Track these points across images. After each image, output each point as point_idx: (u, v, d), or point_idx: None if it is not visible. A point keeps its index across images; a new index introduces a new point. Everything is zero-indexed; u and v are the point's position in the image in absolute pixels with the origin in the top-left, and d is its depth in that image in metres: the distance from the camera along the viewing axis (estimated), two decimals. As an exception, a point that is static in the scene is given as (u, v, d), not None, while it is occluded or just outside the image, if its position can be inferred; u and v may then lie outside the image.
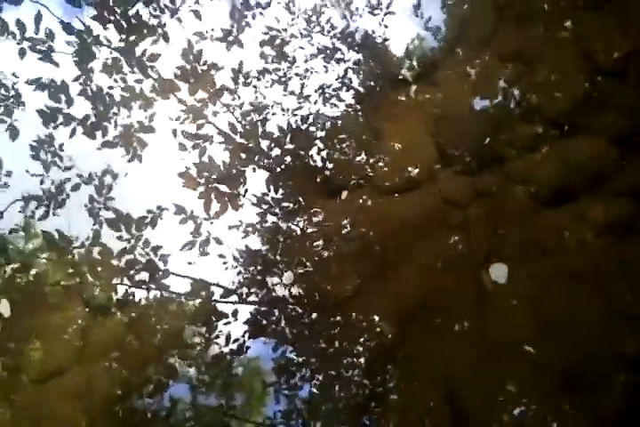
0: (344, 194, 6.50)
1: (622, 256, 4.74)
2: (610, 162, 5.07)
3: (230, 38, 7.20)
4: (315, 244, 6.86)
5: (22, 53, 6.35)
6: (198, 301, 7.13)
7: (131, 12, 6.50)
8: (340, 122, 7.84)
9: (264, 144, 6.95)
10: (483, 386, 5.52)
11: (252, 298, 7.07)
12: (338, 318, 7.26)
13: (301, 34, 8.11)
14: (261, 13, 7.47)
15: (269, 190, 6.99)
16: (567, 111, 5.43)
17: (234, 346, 7.07)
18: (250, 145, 6.55)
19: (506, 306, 5.07)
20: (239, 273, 7.20)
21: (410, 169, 6.13)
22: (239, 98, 7.16)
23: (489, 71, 6.05)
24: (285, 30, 8.04)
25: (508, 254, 5.21)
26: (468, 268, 5.27)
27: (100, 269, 6.59)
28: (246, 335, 7.00)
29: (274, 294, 7.04)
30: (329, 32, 8.11)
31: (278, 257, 7.34)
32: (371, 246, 5.89)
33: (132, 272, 6.69)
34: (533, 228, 5.14)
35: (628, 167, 5.01)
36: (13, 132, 6.44)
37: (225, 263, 7.14)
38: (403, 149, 6.43)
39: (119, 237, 6.70)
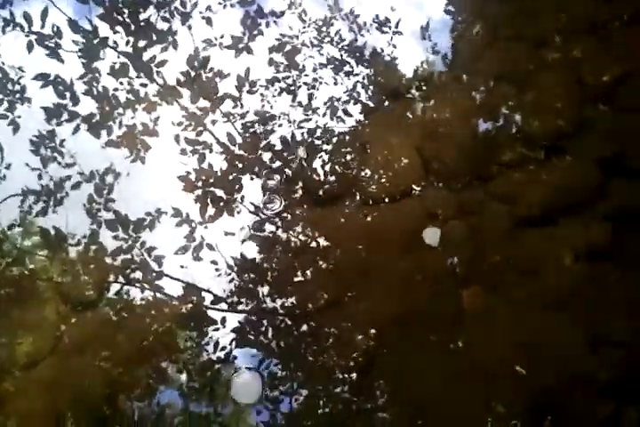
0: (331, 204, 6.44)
1: (601, 282, 4.61)
2: (593, 186, 4.98)
3: (240, 45, 7.19)
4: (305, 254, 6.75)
5: (30, 47, 6.39)
6: (190, 305, 7.06)
7: (141, 17, 6.51)
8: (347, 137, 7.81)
9: (266, 156, 6.90)
10: (467, 406, 5.37)
11: (242, 307, 6.96)
12: (332, 329, 7.17)
13: (312, 43, 8.11)
14: (275, 22, 7.43)
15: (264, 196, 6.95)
16: (553, 133, 5.37)
17: (221, 354, 6.97)
18: (250, 156, 6.51)
19: (484, 327, 4.92)
20: (231, 281, 7.12)
21: (394, 182, 6.06)
22: (242, 107, 7.09)
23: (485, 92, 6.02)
24: (297, 37, 8.08)
25: (487, 274, 5.09)
26: (448, 284, 5.15)
27: (93, 266, 6.59)
28: (233, 344, 6.88)
29: (264, 304, 6.93)
30: (338, 44, 8.07)
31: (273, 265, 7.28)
32: (354, 258, 5.80)
33: (127, 271, 6.67)
34: (513, 249, 5.03)
35: (612, 192, 4.92)
36: (16, 127, 6.48)
37: (217, 270, 7.06)
38: (390, 162, 6.36)
39: (115, 237, 6.72)
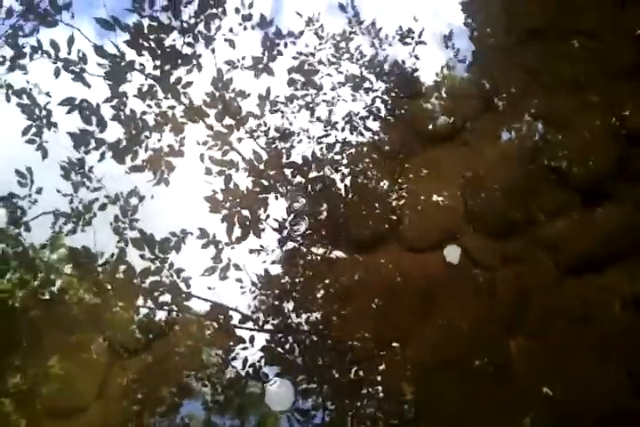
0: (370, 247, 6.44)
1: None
2: (638, 232, 4.90)
3: (260, 66, 7.20)
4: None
5: (57, 73, 6.42)
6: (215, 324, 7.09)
7: (166, 43, 6.50)
8: (365, 149, 7.83)
9: (288, 172, 6.91)
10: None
11: (269, 326, 7.00)
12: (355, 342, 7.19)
13: (329, 61, 8.13)
14: (293, 43, 7.46)
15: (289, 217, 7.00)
16: (597, 178, 5.31)
17: (250, 370, 6.99)
18: (272, 173, 6.52)
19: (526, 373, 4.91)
20: (255, 297, 7.16)
21: (437, 227, 6.00)
22: (265, 124, 7.14)
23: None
24: (314, 55, 8.13)
25: (532, 322, 5.06)
26: (493, 333, 5.13)
27: (122, 288, 6.59)
28: (262, 361, 6.90)
29: (289, 320, 6.96)
30: (358, 60, 8.09)
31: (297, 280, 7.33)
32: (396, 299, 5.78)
33: (156, 294, 6.65)
34: (559, 297, 4.98)
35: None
36: (44, 152, 6.50)
37: (242, 288, 7.12)
38: (430, 205, 6.32)
39: (142, 256, 6.71)
